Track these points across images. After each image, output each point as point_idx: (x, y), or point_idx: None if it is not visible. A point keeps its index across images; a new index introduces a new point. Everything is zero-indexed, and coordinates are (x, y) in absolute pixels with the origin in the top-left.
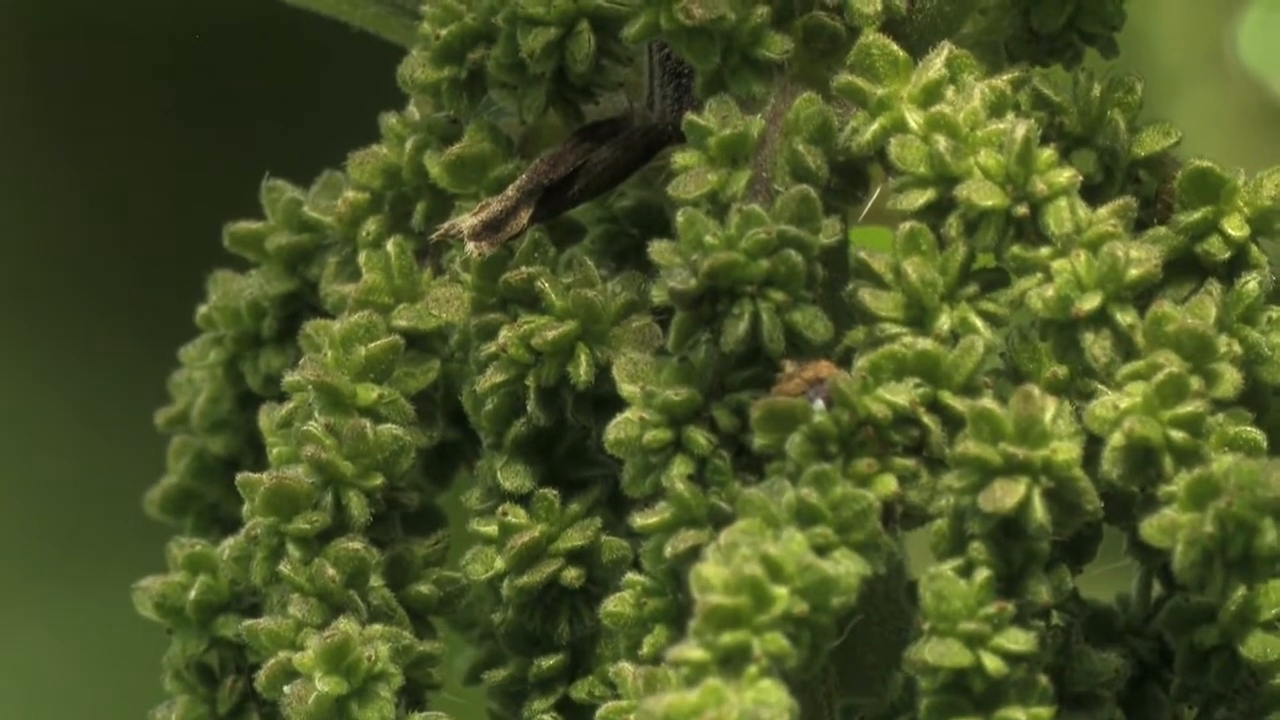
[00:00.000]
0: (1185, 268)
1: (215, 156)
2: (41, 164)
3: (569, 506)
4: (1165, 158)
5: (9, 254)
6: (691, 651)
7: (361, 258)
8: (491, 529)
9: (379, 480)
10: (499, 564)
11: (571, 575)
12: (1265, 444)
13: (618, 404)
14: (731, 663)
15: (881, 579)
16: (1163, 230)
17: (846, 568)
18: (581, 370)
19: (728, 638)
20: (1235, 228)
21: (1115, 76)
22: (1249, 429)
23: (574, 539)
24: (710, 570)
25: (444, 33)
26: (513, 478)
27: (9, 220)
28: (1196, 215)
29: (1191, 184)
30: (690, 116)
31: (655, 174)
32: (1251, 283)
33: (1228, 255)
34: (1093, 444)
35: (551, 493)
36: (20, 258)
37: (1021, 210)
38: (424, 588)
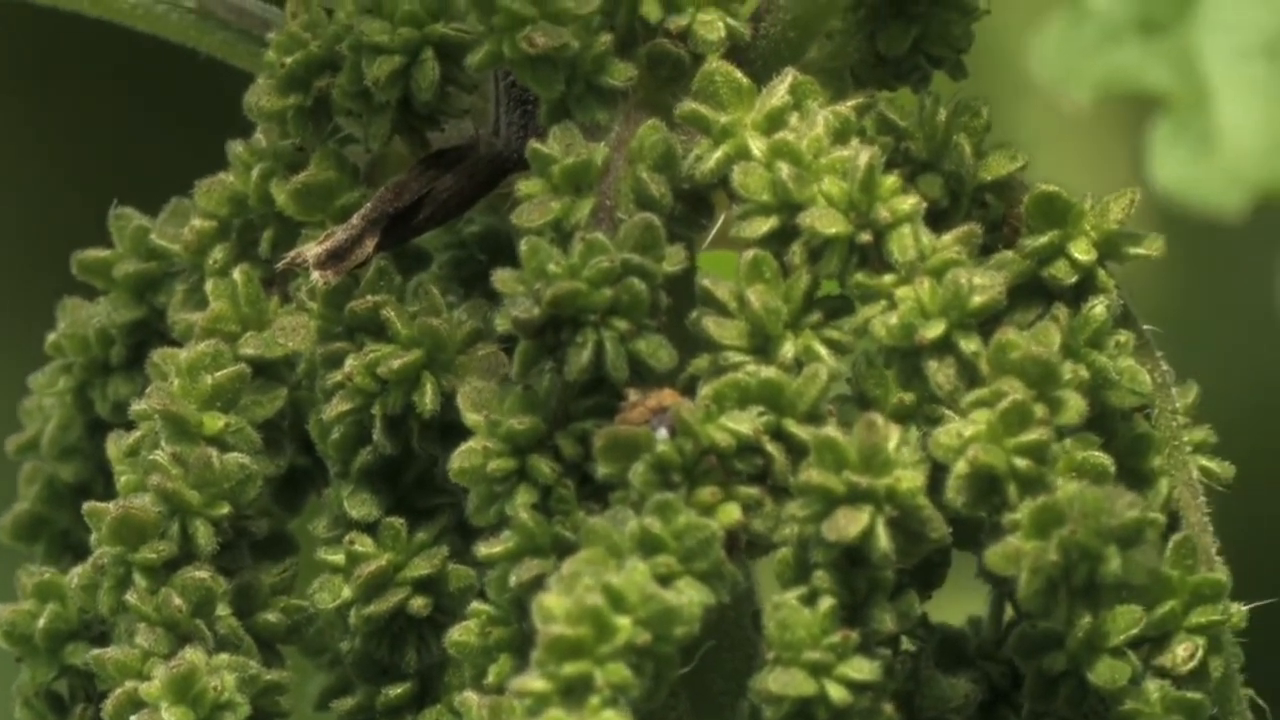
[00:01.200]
0: (1032, 292)
1: (67, 186)
2: None
3: (416, 535)
4: (1012, 181)
5: None
6: (534, 682)
7: (209, 286)
8: (338, 557)
9: (226, 509)
10: (346, 592)
11: (418, 604)
12: (1113, 468)
13: (464, 432)
14: (574, 693)
15: (731, 607)
16: (1010, 254)
17: (690, 597)
18: (427, 399)
19: (570, 668)
20: (1082, 251)
21: (961, 101)
22: (1096, 454)
23: (421, 568)
24: (553, 600)
25: (289, 61)
26: (359, 506)
27: None
28: (1043, 239)
29: (1038, 208)
30: (534, 144)
31: (502, 200)
32: (1099, 307)
33: (1075, 279)
34: (939, 471)
35: (398, 521)
36: None
37: (865, 237)
38: (271, 616)
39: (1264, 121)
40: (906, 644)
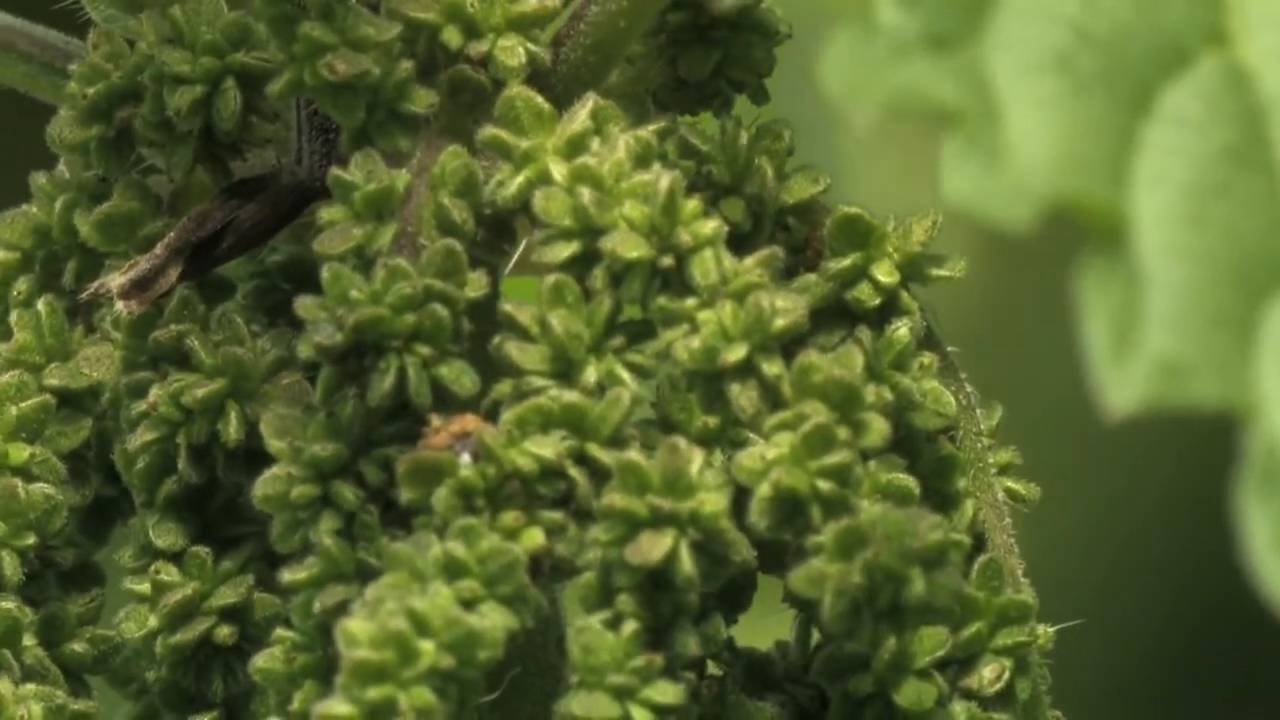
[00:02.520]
0: (836, 314)
1: None
2: None
3: (222, 564)
4: (815, 204)
5: None
6: (338, 707)
7: (13, 317)
8: (144, 587)
9: (31, 539)
10: (152, 622)
11: (224, 633)
12: (917, 490)
13: (268, 460)
14: (377, 717)
15: (537, 631)
16: (813, 278)
17: (493, 621)
18: (231, 428)
19: (374, 693)
20: (885, 274)
21: (764, 124)
22: (901, 476)
23: (226, 596)
24: (356, 625)
25: (91, 92)
26: (165, 535)
27: None
28: (846, 262)
29: (840, 230)
30: (335, 172)
31: (306, 229)
32: (902, 329)
33: (878, 302)
34: (744, 494)
35: (204, 550)
36: None
37: (667, 261)
38: (78, 646)
39: (1054, 135)
40: (713, 668)
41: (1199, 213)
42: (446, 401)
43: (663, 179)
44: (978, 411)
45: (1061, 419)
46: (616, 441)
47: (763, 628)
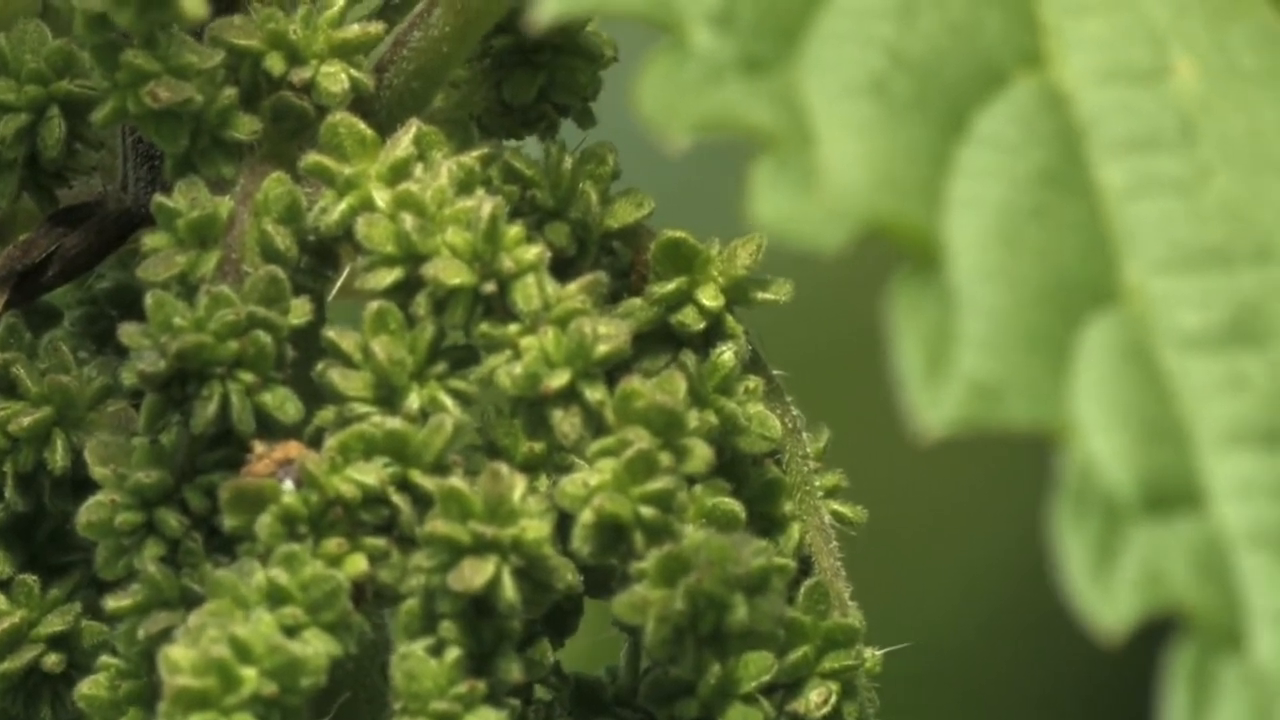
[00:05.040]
0: (661, 339)
1: None
2: None
3: (50, 591)
4: (640, 229)
5: None
6: None
7: None
8: None
9: None
10: None
11: (52, 660)
12: (743, 514)
13: (95, 488)
14: None
15: (364, 657)
16: (637, 302)
17: (316, 648)
18: (58, 455)
19: (196, 719)
20: (710, 298)
21: (588, 149)
22: (726, 500)
23: (54, 624)
24: (178, 652)
25: None
26: None
27: None
28: (670, 286)
29: (665, 254)
30: (159, 199)
31: (132, 256)
32: (727, 353)
33: (703, 326)
34: (568, 520)
35: (31, 578)
36: None
37: (490, 287)
38: None
39: (868, 158)
40: (541, 692)
41: (1013, 234)
42: (270, 428)
43: (485, 205)
44: (804, 435)
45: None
46: (439, 468)
47: (597, 650)
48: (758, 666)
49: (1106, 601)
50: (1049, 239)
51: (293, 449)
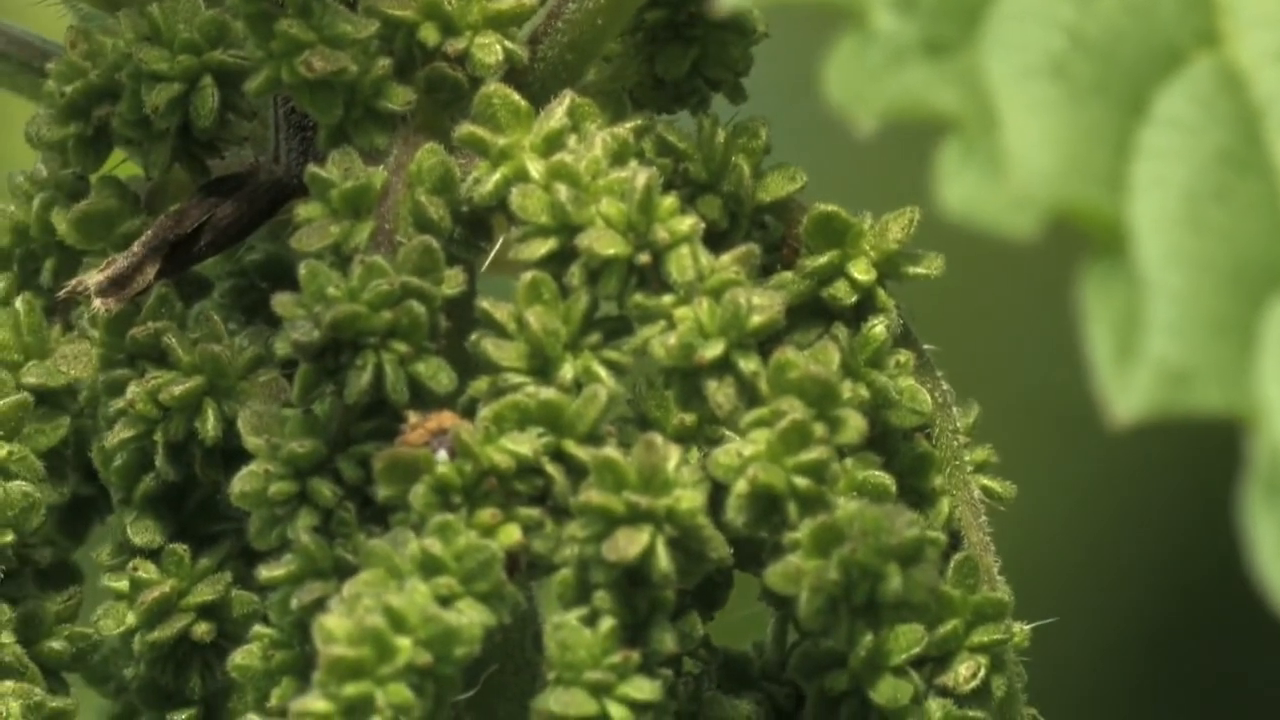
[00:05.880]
0: (812, 312)
1: None
2: None
3: (199, 561)
4: (791, 202)
5: None
6: (315, 703)
7: None
8: (122, 584)
9: (9, 537)
10: (130, 619)
11: (202, 630)
12: (894, 488)
13: (246, 458)
14: (355, 714)
15: (514, 628)
16: (789, 275)
17: (470, 618)
18: (209, 425)
19: (350, 689)
20: (861, 272)
21: (740, 123)
22: (877, 473)
23: (204, 594)
24: (333, 622)
25: (69, 90)
26: (143, 533)
27: None
28: (822, 260)
29: (817, 228)
30: (313, 169)
31: (283, 227)
32: (878, 327)
33: (854, 299)
34: (720, 491)
35: (182, 548)
36: None
37: (644, 258)
38: (56, 644)
39: (1051, 142)
40: (689, 665)
41: (1197, 217)
42: (423, 399)
43: (639, 176)
44: (954, 409)
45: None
46: (593, 438)
47: (741, 625)
48: (908, 639)
49: None
50: (1231, 221)
51: (447, 419)
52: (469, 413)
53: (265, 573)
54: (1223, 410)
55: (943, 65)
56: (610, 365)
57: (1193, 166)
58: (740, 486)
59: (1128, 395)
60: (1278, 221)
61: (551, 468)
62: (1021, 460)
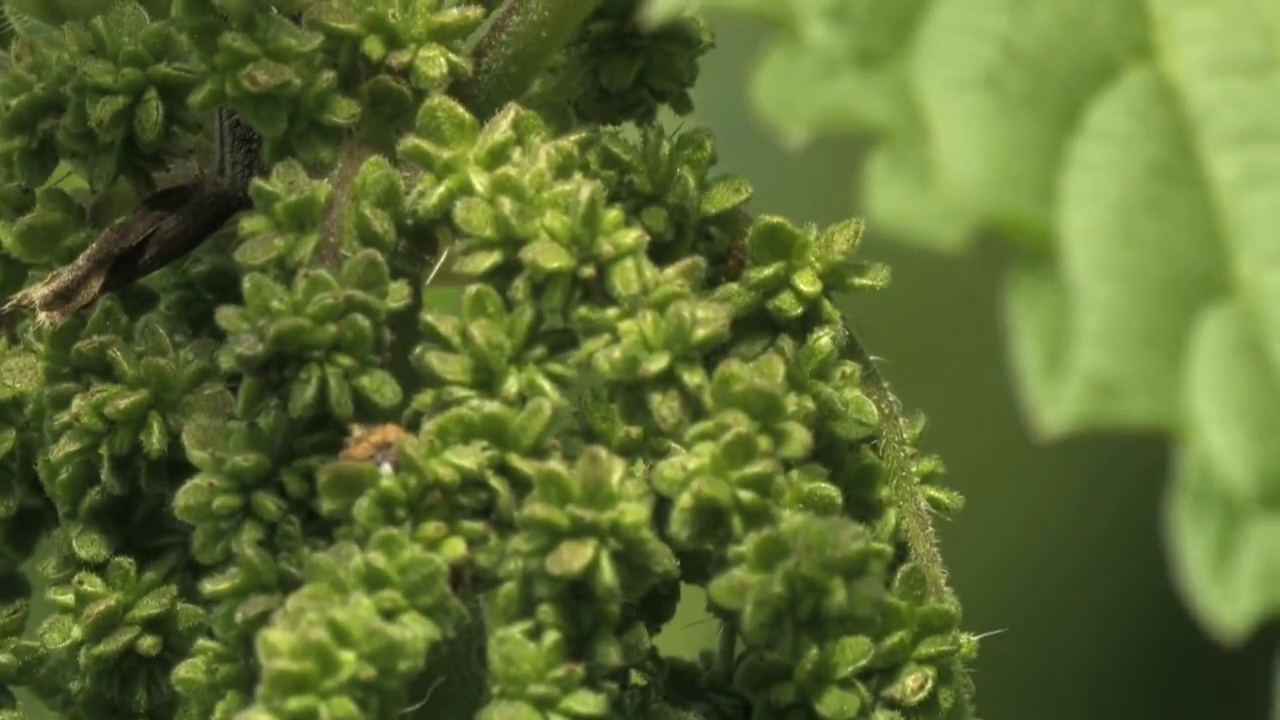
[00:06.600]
0: (758, 324)
1: None
2: None
3: (145, 574)
4: (736, 214)
5: None
6: (259, 717)
7: None
8: (68, 598)
9: None
10: (76, 632)
11: (148, 643)
12: (840, 499)
13: (191, 471)
14: None
15: (460, 642)
16: (734, 287)
17: (414, 632)
18: (154, 438)
19: (294, 703)
20: (807, 283)
21: (685, 134)
22: (823, 485)
23: (150, 607)
24: (277, 636)
25: (14, 103)
26: (88, 546)
27: None
28: (768, 271)
29: (762, 240)
30: (257, 182)
31: (228, 240)
32: (824, 338)
33: (800, 311)
34: (665, 504)
35: (127, 561)
36: None
37: (588, 271)
38: (2, 657)
39: (983, 153)
40: (636, 678)
41: (1129, 229)
42: (368, 412)
43: (584, 189)
44: (901, 420)
45: (985, 427)
46: (538, 452)
47: (690, 636)
48: (854, 651)
49: (1226, 599)
50: (1163, 233)
51: (391, 432)
52: (414, 426)
53: (210, 586)
54: (1152, 422)
55: (874, 76)
56: (555, 379)
57: (1125, 178)
58: (685, 500)
59: (1056, 406)
60: (1210, 234)
61: (496, 481)
62: (968, 471)
